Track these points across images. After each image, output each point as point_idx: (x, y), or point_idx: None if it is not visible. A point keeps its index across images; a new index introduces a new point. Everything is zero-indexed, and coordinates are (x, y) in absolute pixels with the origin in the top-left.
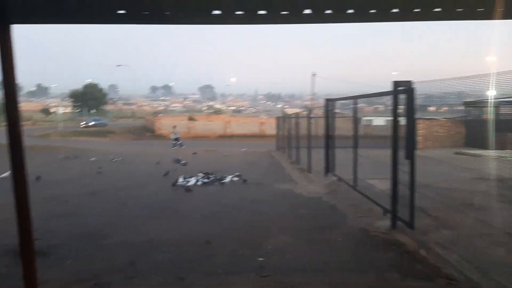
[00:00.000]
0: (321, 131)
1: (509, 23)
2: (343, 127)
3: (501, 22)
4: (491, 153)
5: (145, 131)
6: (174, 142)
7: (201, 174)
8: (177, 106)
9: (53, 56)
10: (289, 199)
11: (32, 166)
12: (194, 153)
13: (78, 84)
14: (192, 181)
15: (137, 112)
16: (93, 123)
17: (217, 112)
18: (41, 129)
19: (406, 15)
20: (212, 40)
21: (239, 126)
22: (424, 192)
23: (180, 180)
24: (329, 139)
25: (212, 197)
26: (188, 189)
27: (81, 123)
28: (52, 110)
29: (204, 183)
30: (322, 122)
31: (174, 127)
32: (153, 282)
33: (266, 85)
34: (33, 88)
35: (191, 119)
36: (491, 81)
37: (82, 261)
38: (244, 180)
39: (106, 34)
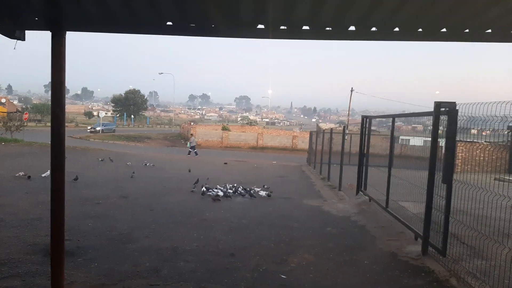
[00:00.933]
0: (354, 148)
1: None
2: (378, 145)
3: None
4: None
5: (180, 138)
6: (190, 150)
7: (230, 185)
8: (212, 115)
9: (99, 61)
10: (317, 216)
11: (70, 166)
12: (225, 163)
13: (121, 89)
14: (220, 191)
15: (174, 120)
16: (99, 128)
17: (252, 123)
18: (83, 131)
19: (455, 36)
20: (252, 51)
21: (271, 139)
22: (459, 218)
23: (209, 189)
24: (363, 157)
25: (239, 209)
26: (216, 199)
27: (88, 128)
28: (94, 113)
29: (232, 194)
30: (356, 138)
31: (191, 135)
32: None
33: (302, 99)
34: (79, 92)
35: (224, 128)
36: None
37: (108, 264)
38: (270, 195)
39: (150, 42)
